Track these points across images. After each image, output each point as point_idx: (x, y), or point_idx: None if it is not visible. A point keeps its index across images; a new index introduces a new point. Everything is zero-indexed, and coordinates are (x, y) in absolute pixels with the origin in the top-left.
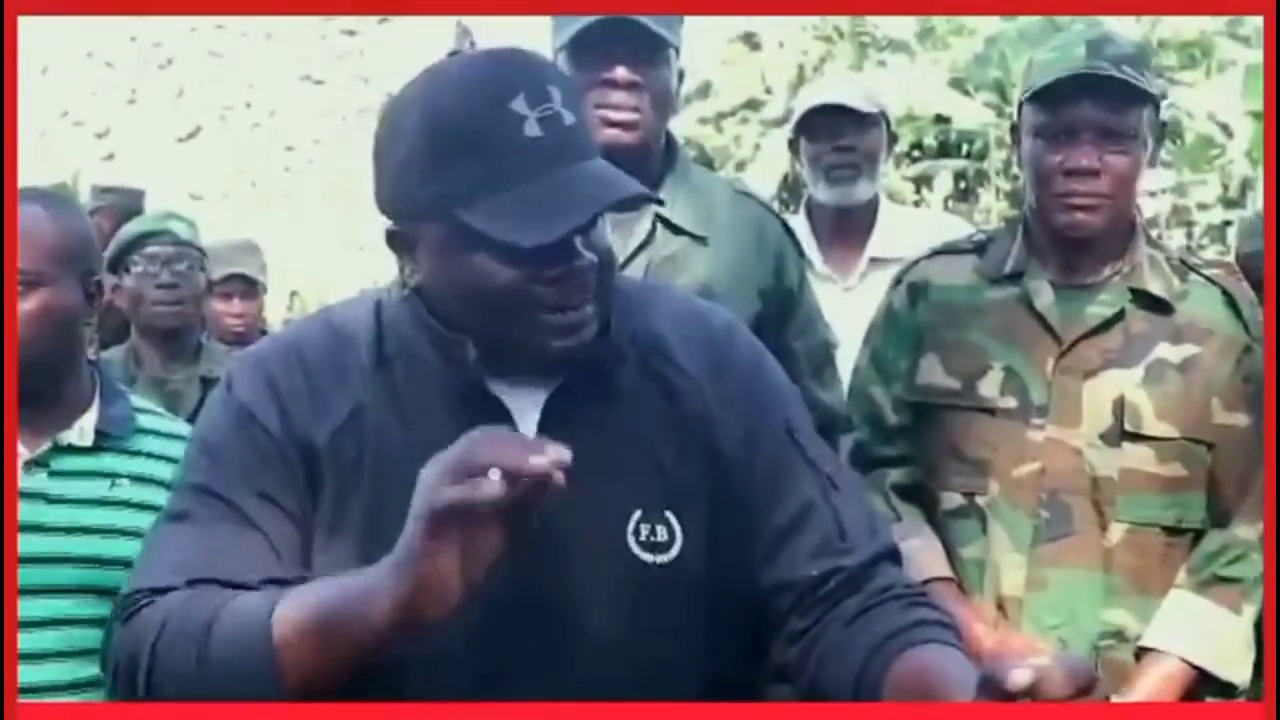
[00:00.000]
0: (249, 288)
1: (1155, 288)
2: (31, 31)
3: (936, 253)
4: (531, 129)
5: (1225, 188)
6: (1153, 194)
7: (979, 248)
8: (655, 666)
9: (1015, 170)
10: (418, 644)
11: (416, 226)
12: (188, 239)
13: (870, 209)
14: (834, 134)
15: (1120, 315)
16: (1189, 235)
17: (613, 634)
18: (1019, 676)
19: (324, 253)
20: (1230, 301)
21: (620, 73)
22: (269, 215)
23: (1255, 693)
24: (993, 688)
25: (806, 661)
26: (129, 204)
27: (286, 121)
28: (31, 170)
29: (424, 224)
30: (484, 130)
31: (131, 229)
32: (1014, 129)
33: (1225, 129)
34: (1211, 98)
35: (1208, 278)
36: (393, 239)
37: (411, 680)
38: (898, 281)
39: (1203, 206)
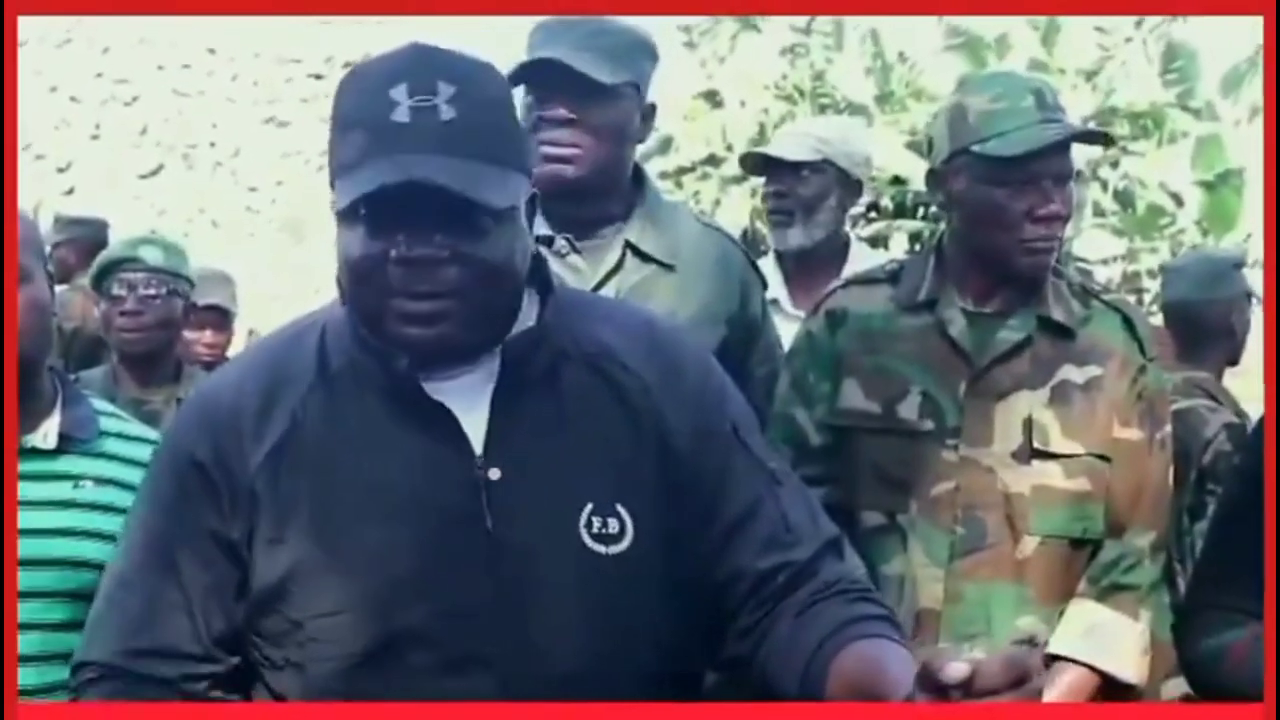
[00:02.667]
0: (222, 319)
1: (1059, 315)
2: None
3: (852, 282)
4: (400, 115)
5: (1175, 255)
6: (1105, 261)
7: (892, 276)
8: (610, 655)
9: None
10: (378, 637)
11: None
12: (158, 265)
13: (832, 250)
14: (769, 180)
15: (1029, 341)
16: (1140, 302)
17: (568, 624)
18: (955, 670)
19: (283, 293)
20: (1128, 324)
21: (558, 111)
22: (229, 254)
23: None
24: (929, 680)
25: (756, 655)
26: (94, 235)
27: (249, 162)
28: None
29: (335, 201)
30: (361, 112)
31: (105, 255)
32: (935, 174)
33: (1176, 198)
34: (1163, 168)
35: (1107, 303)
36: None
37: (371, 671)
38: (816, 309)
39: (1153, 274)
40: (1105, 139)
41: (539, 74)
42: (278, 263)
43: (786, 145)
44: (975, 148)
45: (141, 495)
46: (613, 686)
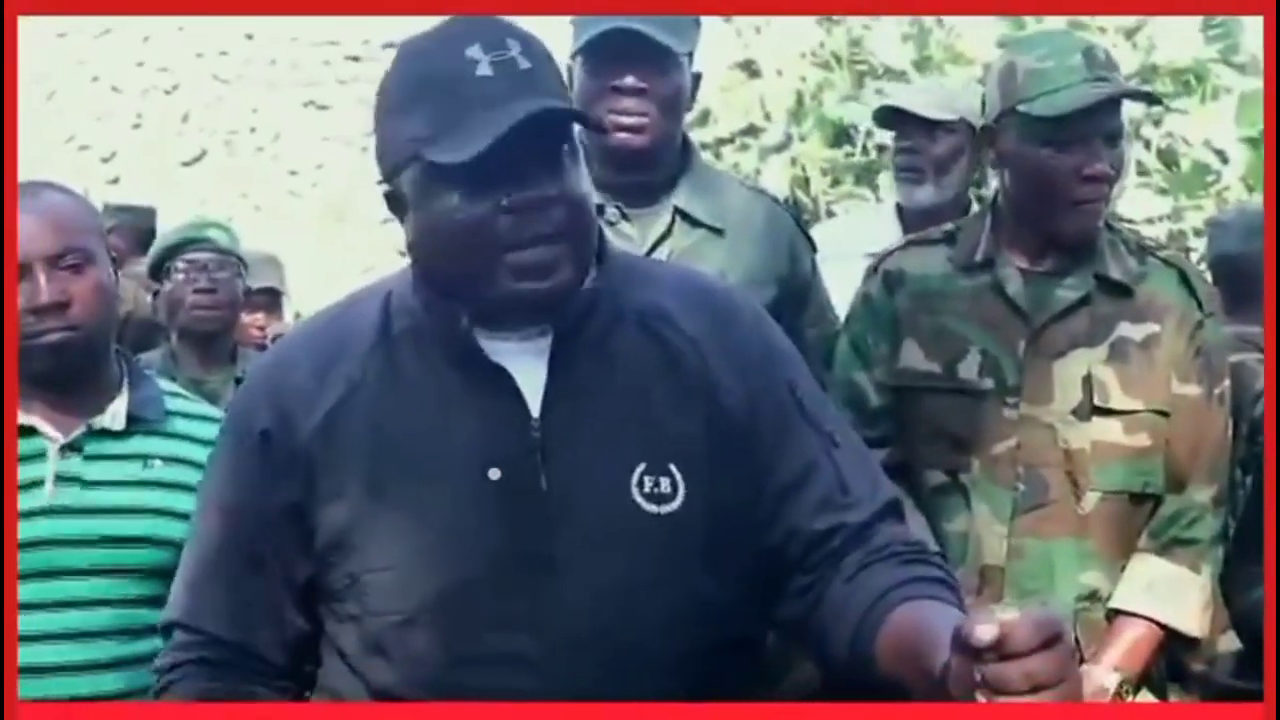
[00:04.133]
0: (274, 301)
1: (1116, 273)
2: (39, 57)
3: (910, 243)
4: (483, 69)
5: (1220, 212)
6: (1150, 220)
7: (948, 237)
8: (661, 616)
9: None
10: (430, 593)
11: (398, 180)
12: (226, 246)
13: (956, 210)
14: (901, 135)
15: (1086, 299)
16: None
17: (619, 583)
18: (983, 633)
19: (327, 275)
20: (1185, 280)
21: (628, 80)
22: (272, 238)
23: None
24: (961, 643)
25: (810, 618)
26: (142, 222)
27: (290, 146)
28: None
29: (403, 174)
30: (441, 74)
31: (172, 236)
32: (987, 130)
33: (1221, 155)
34: (1206, 124)
35: (1164, 259)
36: (389, 201)
37: (423, 626)
38: (873, 270)
39: (1199, 232)
40: (1152, 98)
41: (610, 44)
42: (321, 245)
43: (921, 101)
44: (1021, 107)
45: (213, 472)
46: (663, 646)
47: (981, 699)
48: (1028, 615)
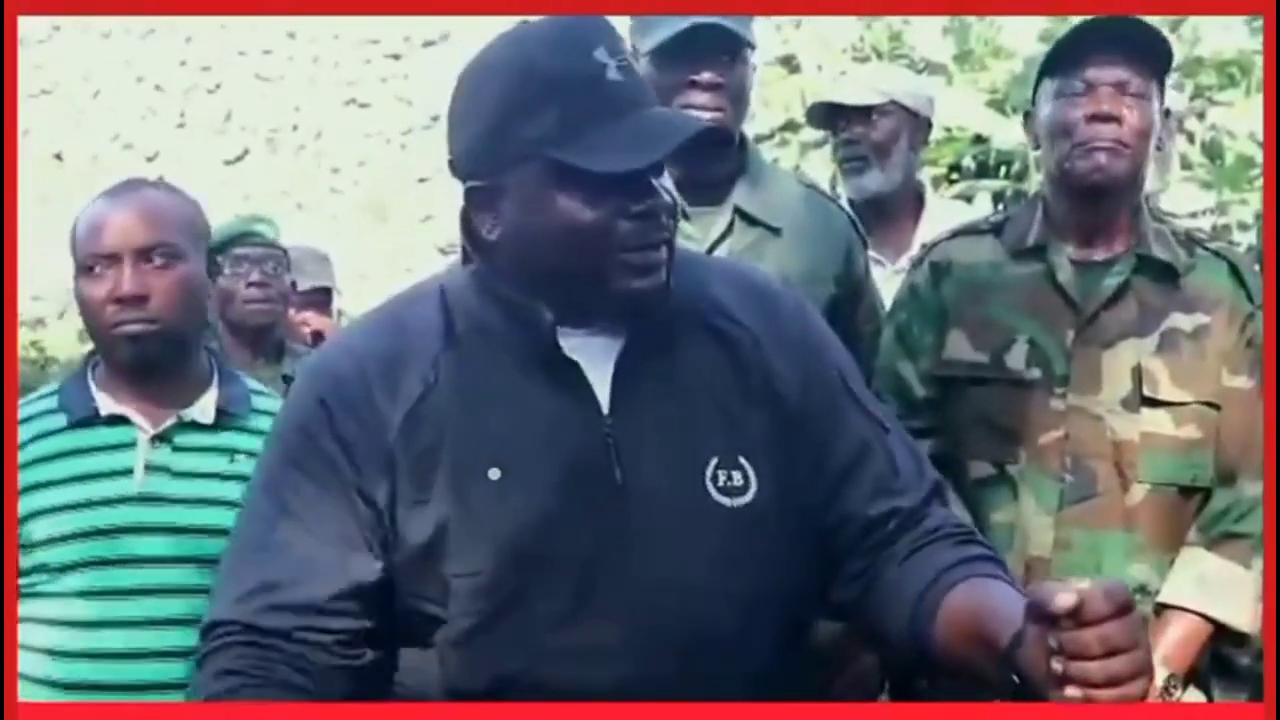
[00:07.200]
0: (327, 298)
1: (1160, 254)
2: (84, 57)
3: (956, 233)
4: (613, 74)
5: None
6: (1194, 215)
7: (996, 228)
8: (737, 606)
9: None
10: (511, 591)
11: (502, 176)
12: (274, 240)
13: (907, 193)
14: (839, 129)
15: (1129, 283)
16: None
17: (697, 577)
18: (1063, 600)
19: (370, 273)
20: (1235, 271)
21: (706, 75)
22: (315, 236)
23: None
24: (1038, 612)
25: (864, 601)
26: None
27: (332, 144)
28: (84, 193)
29: (512, 171)
30: (571, 76)
31: (222, 230)
32: (1028, 116)
33: None
34: (1251, 117)
35: (1213, 250)
36: (473, 195)
37: (503, 624)
38: (920, 261)
39: (1243, 226)
40: (1141, 26)
41: (689, 39)
42: (363, 243)
43: (851, 92)
44: (1042, 72)
45: (271, 463)
46: (739, 635)
47: (1057, 666)
48: (1101, 584)
